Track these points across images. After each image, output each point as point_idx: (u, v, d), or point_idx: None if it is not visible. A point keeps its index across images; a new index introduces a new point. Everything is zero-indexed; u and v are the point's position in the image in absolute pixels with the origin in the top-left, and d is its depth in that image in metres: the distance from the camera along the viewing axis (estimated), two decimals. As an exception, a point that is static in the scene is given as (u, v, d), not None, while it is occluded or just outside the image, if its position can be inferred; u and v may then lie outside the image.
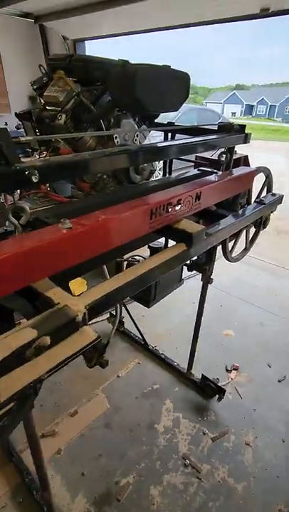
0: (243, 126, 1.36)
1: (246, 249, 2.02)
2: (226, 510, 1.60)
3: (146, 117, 1.30)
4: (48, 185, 1.11)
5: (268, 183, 1.89)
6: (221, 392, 2.08)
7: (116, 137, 1.15)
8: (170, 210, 1.03)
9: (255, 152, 13.47)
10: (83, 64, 1.09)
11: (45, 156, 1.16)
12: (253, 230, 1.99)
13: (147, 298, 2.19)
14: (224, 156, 1.44)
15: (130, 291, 0.93)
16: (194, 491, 1.67)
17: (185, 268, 2.21)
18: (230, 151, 1.43)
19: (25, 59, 5.02)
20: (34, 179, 0.64)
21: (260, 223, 1.75)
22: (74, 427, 1.96)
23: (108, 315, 2.77)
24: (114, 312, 2.69)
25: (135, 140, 1.22)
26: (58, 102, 1.06)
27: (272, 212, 1.78)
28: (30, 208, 0.81)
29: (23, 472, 1.68)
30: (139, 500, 1.62)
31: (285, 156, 12.94)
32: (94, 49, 5.00)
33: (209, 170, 1.42)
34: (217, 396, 2.11)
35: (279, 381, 2.32)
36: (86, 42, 4.86)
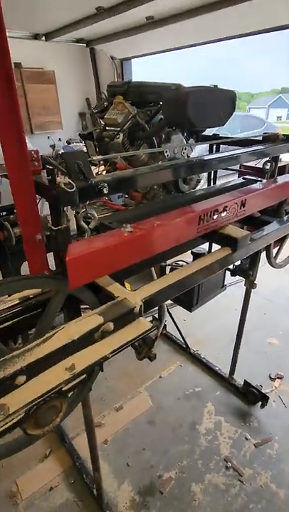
0: (288, 136, 1.41)
1: (291, 256, 2.02)
2: (268, 516, 1.60)
3: (193, 132, 1.41)
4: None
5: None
6: (264, 399, 2.08)
7: (166, 151, 1.27)
8: (216, 216, 1.13)
9: (303, 157, 12.91)
10: (139, 89, 1.24)
11: (103, 170, 1.32)
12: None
13: (190, 302, 2.26)
14: (268, 164, 1.50)
15: (179, 290, 1.04)
16: (236, 493, 1.69)
17: (227, 274, 2.27)
18: (275, 159, 1.48)
19: (75, 79, 5.47)
20: (105, 191, 0.78)
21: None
22: (119, 420, 2.08)
23: (151, 318, 2.89)
24: (156, 315, 2.80)
25: (183, 153, 1.34)
26: (117, 124, 1.22)
27: None
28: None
29: (74, 456, 1.84)
30: (181, 495, 1.69)
31: None
32: (134, 64, 5.28)
33: (254, 178, 1.48)
34: (260, 403, 2.11)
35: None
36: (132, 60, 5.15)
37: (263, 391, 2.13)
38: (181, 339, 2.63)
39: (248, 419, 2.08)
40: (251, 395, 2.15)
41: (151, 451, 1.90)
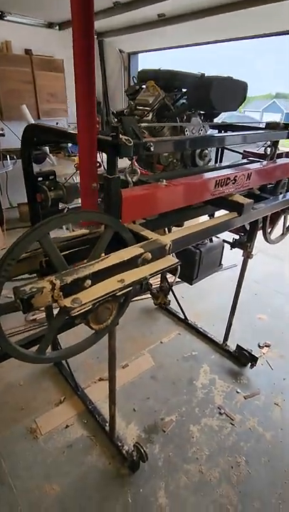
0: (287, 125, 1.68)
1: (283, 234, 2.30)
2: (255, 451, 1.87)
3: (209, 116, 1.65)
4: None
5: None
6: (254, 360, 2.36)
7: (186, 130, 1.51)
8: (229, 184, 1.38)
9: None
10: (167, 75, 1.47)
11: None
12: (290, 217, 2.27)
13: (191, 275, 2.52)
14: (269, 149, 1.76)
15: (198, 238, 1.29)
16: (228, 433, 1.96)
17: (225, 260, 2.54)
18: (275, 144, 1.75)
19: (82, 70, 5.62)
20: (152, 149, 1.02)
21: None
22: (126, 375, 2.33)
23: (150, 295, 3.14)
24: (155, 292, 3.05)
25: (200, 133, 1.59)
26: (148, 104, 1.45)
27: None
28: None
29: (87, 402, 2.07)
30: (181, 433, 1.95)
31: None
32: (141, 58, 5.50)
33: (255, 160, 1.74)
34: (250, 364, 2.39)
35: (308, 359, 2.54)
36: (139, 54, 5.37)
37: (253, 354, 2.41)
38: (181, 312, 2.89)
39: (239, 378, 2.36)
40: (243, 357, 2.43)
41: (154, 399, 2.15)
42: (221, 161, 1.96)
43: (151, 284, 1.82)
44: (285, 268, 3.97)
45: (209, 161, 1.71)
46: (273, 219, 2.13)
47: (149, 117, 1.45)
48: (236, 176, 1.40)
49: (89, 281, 0.93)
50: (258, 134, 1.64)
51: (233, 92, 1.41)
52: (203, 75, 1.34)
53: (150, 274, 1.05)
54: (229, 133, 1.56)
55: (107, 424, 1.88)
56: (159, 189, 1.09)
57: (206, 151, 1.58)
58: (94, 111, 0.97)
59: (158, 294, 1.85)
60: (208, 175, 1.32)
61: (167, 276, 2.95)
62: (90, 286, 0.94)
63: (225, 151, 2.03)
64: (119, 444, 1.80)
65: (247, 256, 2.11)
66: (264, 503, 1.63)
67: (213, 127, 1.88)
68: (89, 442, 1.88)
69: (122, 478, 1.71)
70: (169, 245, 1.14)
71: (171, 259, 1.14)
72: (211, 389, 2.25)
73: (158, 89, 1.44)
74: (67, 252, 1.12)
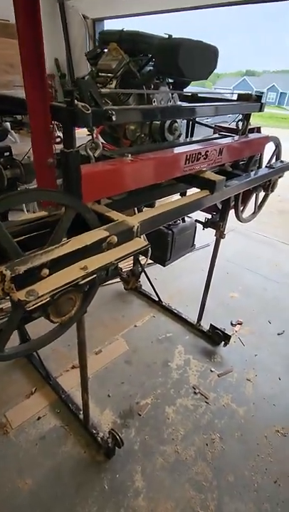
0: (259, 97, 1.60)
1: (254, 213, 2.28)
2: (229, 427, 1.91)
3: (178, 86, 1.53)
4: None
5: (278, 152, 2.13)
6: (227, 338, 2.38)
7: (154, 101, 1.39)
8: (200, 159, 1.29)
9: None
10: (132, 37, 1.32)
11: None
12: (261, 196, 2.24)
13: (164, 257, 2.46)
14: (241, 123, 1.68)
15: (169, 219, 1.21)
16: (203, 412, 1.99)
17: (198, 240, 2.49)
18: (247, 118, 1.67)
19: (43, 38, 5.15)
20: (114, 118, 0.90)
21: (269, 186, 2.00)
22: (99, 361, 2.27)
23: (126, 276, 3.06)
24: (125, 276, 2.97)
25: (168, 104, 1.47)
26: (111, 69, 1.30)
27: (280, 177, 2.03)
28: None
29: (59, 391, 2.00)
30: (157, 416, 1.94)
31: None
32: (107, 26, 5.11)
33: (227, 134, 1.66)
34: (223, 342, 2.42)
35: (278, 334, 2.62)
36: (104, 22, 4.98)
37: (226, 332, 2.44)
38: (155, 294, 2.85)
39: (213, 356, 2.38)
40: (216, 336, 2.45)
41: (129, 384, 2.12)
42: (192, 136, 1.85)
43: (121, 269, 1.74)
44: (253, 246, 4.03)
45: (180, 135, 1.60)
46: (245, 197, 2.09)
47: (113, 85, 1.31)
48: (208, 151, 1.31)
49: (46, 270, 0.83)
50: (230, 106, 1.55)
51: (204, 57, 1.29)
52: (170, 36, 1.21)
53: (117, 259, 0.96)
54: (200, 104, 1.46)
55: (81, 413, 1.83)
56: (123, 165, 0.98)
57: (176, 124, 1.47)
58: (44, 71, 0.83)
59: (129, 279, 1.79)
60: (178, 150, 1.22)
61: (140, 259, 2.88)
62: (48, 276, 0.84)
63: (196, 126, 1.93)
64: (94, 432, 1.76)
65: (220, 236, 2.07)
66: (237, 476, 1.68)
67: (183, 99, 1.76)
68: (63, 432, 1.82)
69: (98, 465, 1.68)
70: (136, 227, 1.05)
71: (139, 242, 1.05)
72: (186, 369, 2.26)
73: (121, 53, 1.29)
74: (23, 237, 0.99)
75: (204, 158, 1.31)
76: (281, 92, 59.60)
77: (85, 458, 1.71)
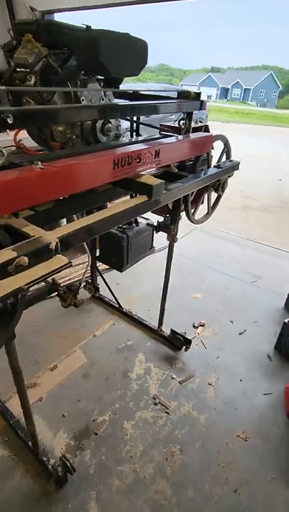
0: (198, 94, 1.52)
1: (208, 213, 2.22)
2: (190, 437, 1.85)
3: (111, 83, 1.42)
4: (21, 141, 1.22)
5: (227, 151, 2.08)
6: (187, 343, 2.32)
7: (83, 99, 1.27)
8: (132, 162, 1.19)
9: (232, 135, 13.75)
10: (50, 28, 1.18)
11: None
12: (214, 196, 2.19)
13: (120, 262, 2.35)
14: (183, 122, 1.60)
15: (99, 230, 1.09)
16: (163, 423, 1.91)
17: (159, 241, 2.41)
18: (189, 117, 1.59)
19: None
20: (9, 121, 0.77)
21: (219, 186, 1.94)
22: (54, 379, 2.13)
23: (84, 283, 2.94)
24: (90, 280, 2.85)
25: (101, 102, 1.35)
26: (28, 64, 1.16)
27: (229, 176, 1.97)
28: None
29: (8, 416, 1.84)
30: (114, 433, 1.84)
31: (256, 137, 13.30)
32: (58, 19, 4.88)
33: (170, 134, 1.57)
34: (184, 347, 2.35)
35: (240, 334, 2.60)
36: (55, 15, 4.74)
37: (187, 337, 2.38)
38: (115, 300, 2.74)
39: (175, 362, 2.31)
40: (177, 341, 2.38)
41: (86, 400, 2.00)
42: (138, 134, 1.75)
43: (59, 284, 1.60)
44: (216, 243, 4.02)
45: (118, 136, 1.49)
46: (197, 198, 2.02)
47: (32, 81, 1.17)
48: (141, 154, 1.21)
49: None
50: (169, 104, 1.46)
51: (131, 51, 1.18)
52: (88, 27, 1.08)
53: (28, 284, 0.84)
54: (133, 102, 1.35)
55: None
56: (30, 173, 0.85)
57: (110, 125, 1.35)
58: None
59: (65, 295, 1.61)
60: (105, 154, 1.10)
61: (98, 265, 2.76)
62: None
63: (146, 126, 1.83)
64: (45, 459, 1.62)
65: (172, 239, 1.98)
66: (198, 489, 1.62)
67: (124, 97, 1.65)
68: (11, 463, 1.67)
69: (49, 496, 1.55)
70: (55, 243, 0.92)
71: (58, 261, 0.93)
72: (146, 379, 2.17)
73: (37, 46, 1.15)
74: None
75: (138, 162, 1.21)
76: (245, 88, 61.22)
77: (35, 489, 1.57)
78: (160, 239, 2.38)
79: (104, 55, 1.06)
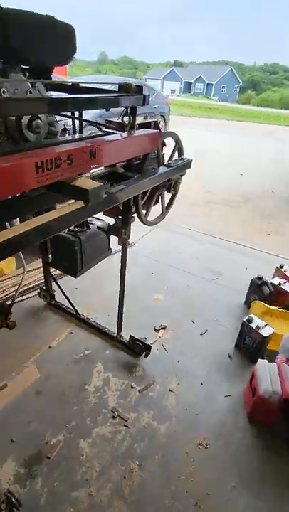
0: (140, 88, 1.40)
1: (162, 214, 2.13)
2: (149, 450, 1.76)
3: (38, 73, 1.26)
4: None
5: (179, 148, 1.99)
6: (147, 348, 2.23)
7: (4, 91, 1.10)
8: (61, 165, 1.04)
9: (195, 130, 13.85)
10: None
11: None
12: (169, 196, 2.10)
13: (74, 268, 2.20)
14: (127, 117, 1.47)
15: (28, 242, 0.95)
16: (122, 438, 1.81)
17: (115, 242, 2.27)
18: (133, 113, 1.47)
19: None
20: None
21: (171, 186, 1.85)
22: (2, 399, 1.95)
23: (39, 290, 2.75)
24: (44, 287, 2.67)
25: (28, 94, 1.19)
26: None
27: (181, 175, 1.89)
28: None
29: None
30: (69, 454, 1.71)
31: (218, 131, 13.52)
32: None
33: (112, 131, 1.44)
34: (144, 353, 2.26)
35: (201, 334, 2.56)
36: None
37: (147, 342, 2.30)
38: (71, 307, 2.58)
39: (135, 370, 2.22)
40: (137, 348, 2.28)
41: (38, 421, 1.85)
42: (81, 131, 1.60)
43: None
44: (178, 240, 3.98)
45: (54, 134, 1.33)
46: (149, 198, 1.92)
47: None
48: (72, 155, 1.07)
49: None
50: (108, 98, 1.32)
51: (54, 37, 1.04)
52: (-2, 5, 0.92)
53: None
54: (67, 95, 1.20)
55: (-28, 473, 1.52)
56: None
57: (39, 121, 1.19)
58: None
59: None
60: (26, 155, 0.95)
61: (51, 270, 2.58)
62: None
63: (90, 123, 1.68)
64: (-12, 495, 1.46)
65: (123, 243, 1.87)
66: (158, 507, 1.54)
67: (61, 89, 1.48)
68: None
69: (-7, 537, 1.40)
70: None
71: None
72: (105, 390, 2.06)
73: None
74: None
75: (69, 164, 1.07)
76: (208, 83, 62.28)
77: (-23, 530, 1.41)
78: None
79: (17, 38, 0.90)
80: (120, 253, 2.08)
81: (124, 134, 1.40)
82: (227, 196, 5.81)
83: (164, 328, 2.59)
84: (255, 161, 8.60)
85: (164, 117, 9.66)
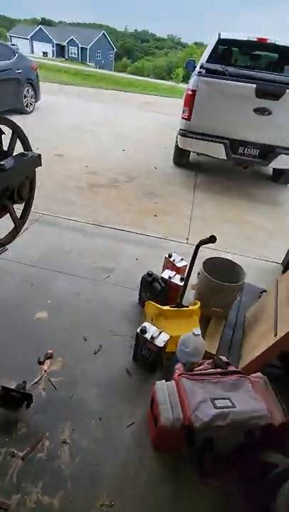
0: None
1: (16, 227, 1.60)
2: (42, 535, 1.38)
3: None
4: None
5: (22, 141, 1.44)
6: (26, 398, 1.77)
7: None
8: None
9: (73, 98, 12.68)
10: None
11: None
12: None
13: None
14: None
15: None
16: (1, 539, 1.36)
17: None
18: None
19: None
20: None
21: (13, 195, 1.32)
22: None
23: None
24: None
25: None
26: None
27: (27, 178, 1.37)
28: None
29: None
30: None
31: (95, 102, 12.78)
32: None
33: None
34: (25, 404, 1.79)
35: (95, 353, 2.22)
36: None
37: (30, 383, 1.84)
38: None
39: (16, 428, 1.74)
40: (14, 400, 1.79)
41: None
42: None
43: None
44: (64, 236, 3.46)
45: None
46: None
47: None
48: None
49: None
50: None
51: None
52: None
53: None
54: None
55: None
56: None
57: None
58: None
59: None
60: None
61: None
62: None
63: None
64: None
65: None
66: None
67: None
68: None
69: None
70: None
71: None
72: (-28, 474, 1.53)
73: None
74: None
75: None
76: (82, 48, 58.60)
77: None
78: None
79: None
80: None
81: None
82: (111, 176, 5.45)
83: (50, 357, 2.14)
84: (136, 135, 8.41)
85: (32, 85, 8.43)
